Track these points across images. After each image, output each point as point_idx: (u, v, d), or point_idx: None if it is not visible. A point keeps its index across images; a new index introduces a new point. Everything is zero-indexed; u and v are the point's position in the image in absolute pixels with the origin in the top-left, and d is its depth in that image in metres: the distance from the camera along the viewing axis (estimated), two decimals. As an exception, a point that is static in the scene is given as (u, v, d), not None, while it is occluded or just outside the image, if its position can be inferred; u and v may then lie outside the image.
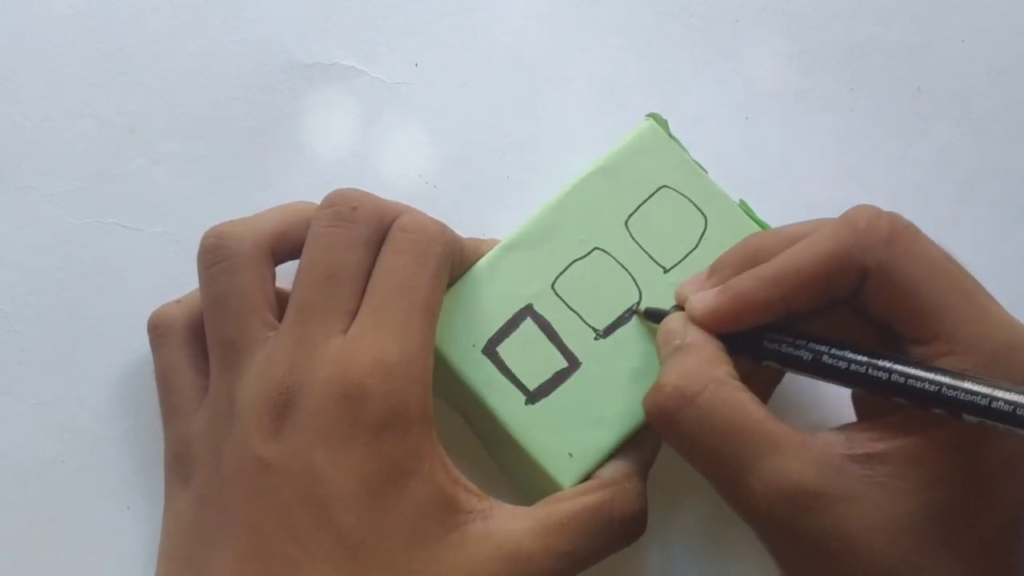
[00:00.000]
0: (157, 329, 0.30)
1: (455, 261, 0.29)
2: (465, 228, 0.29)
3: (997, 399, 0.23)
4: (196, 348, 0.30)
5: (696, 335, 0.27)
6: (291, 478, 0.25)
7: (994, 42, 0.36)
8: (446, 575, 0.25)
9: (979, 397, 0.23)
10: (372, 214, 0.28)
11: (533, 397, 0.29)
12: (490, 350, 0.29)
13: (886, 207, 0.35)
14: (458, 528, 0.26)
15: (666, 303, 0.30)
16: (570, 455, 0.28)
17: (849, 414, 0.28)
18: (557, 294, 0.30)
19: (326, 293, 0.27)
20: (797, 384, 0.34)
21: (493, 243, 0.31)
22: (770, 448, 0.24)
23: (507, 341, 0.29)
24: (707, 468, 0.26)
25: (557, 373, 0.29)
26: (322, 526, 0.25)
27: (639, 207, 0.31)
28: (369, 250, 0.28)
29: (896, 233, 0.26)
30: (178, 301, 0.31)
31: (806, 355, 0.26)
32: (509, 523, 0.26)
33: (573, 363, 0.29)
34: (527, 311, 0.30)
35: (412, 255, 0.27)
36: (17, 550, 0.32)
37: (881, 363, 0.25)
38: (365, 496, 0.25)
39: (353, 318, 0.27)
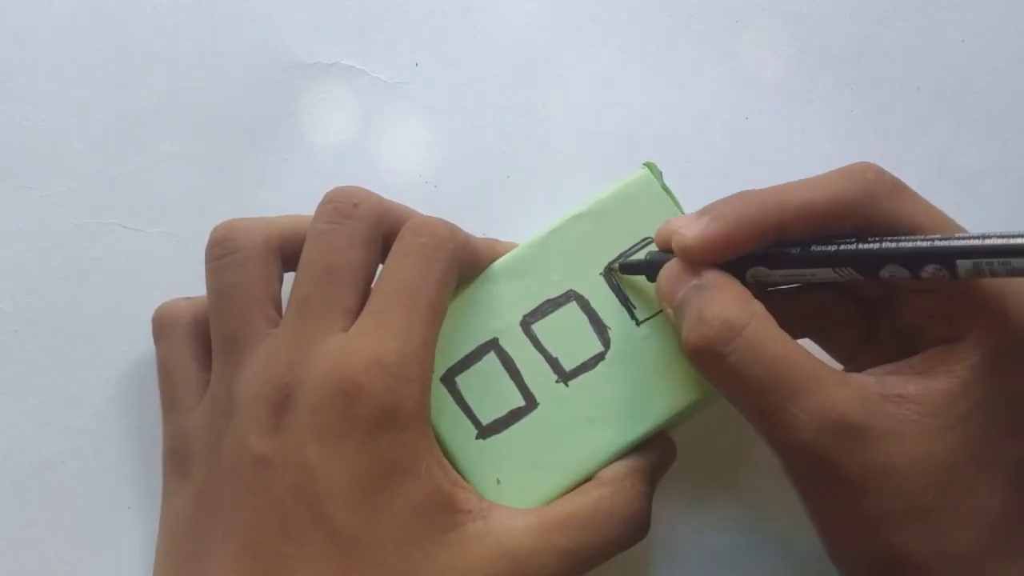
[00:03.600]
0: (161, 320, 0.30)
1: (466, 263, 0.29)
2: (465, 228, 0.29)
3: (989, 236, 0.23)
4: (199, 343, 0.30)
5: (713, 273, 0.26)
6: (286, 474, 0.25)
7: (994, 42, 0.36)
8: (442, 573, 0.25)
9: (971, 240, 0.24)
10: (373, 211, 0.28)
11: (484, 432, 0.29)
12: (449, 379, 0.29)
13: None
14: (457, 528, 0.26)
15: (635, 355, 0.29)
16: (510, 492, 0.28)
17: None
18: (525, 332, 0.29)
19: (325, 290, 0.27)
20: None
21: (510, 245, 0.30)
22: (814, 381, 0.24)
23: (467, 372, 0.29)
24: (750, 401, 0.25)
25: (512, 411, 0.29)
26: (315, 523, 0.25)
27: (621, 255, 0.30)
28: (369, 248, 0.28)
29: (899, 187, 0.26)
30: (187, 298, 0.31)
31: (794, 249, 0.26)
32: (508, 520, 0.26)
33: (531, 403, 0.29)
34: (491, 344, 0.29)
35: (420, 257, 0.27)
36: (17, 550, 0.32)
37: (870, 240, 0.25)
38: (359, 493, 0.25)
39: (353, 316, 0.27)
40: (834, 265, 0.26)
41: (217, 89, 0.35)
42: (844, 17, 0.36)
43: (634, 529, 0.27)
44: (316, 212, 0.28)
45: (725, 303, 0.25)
